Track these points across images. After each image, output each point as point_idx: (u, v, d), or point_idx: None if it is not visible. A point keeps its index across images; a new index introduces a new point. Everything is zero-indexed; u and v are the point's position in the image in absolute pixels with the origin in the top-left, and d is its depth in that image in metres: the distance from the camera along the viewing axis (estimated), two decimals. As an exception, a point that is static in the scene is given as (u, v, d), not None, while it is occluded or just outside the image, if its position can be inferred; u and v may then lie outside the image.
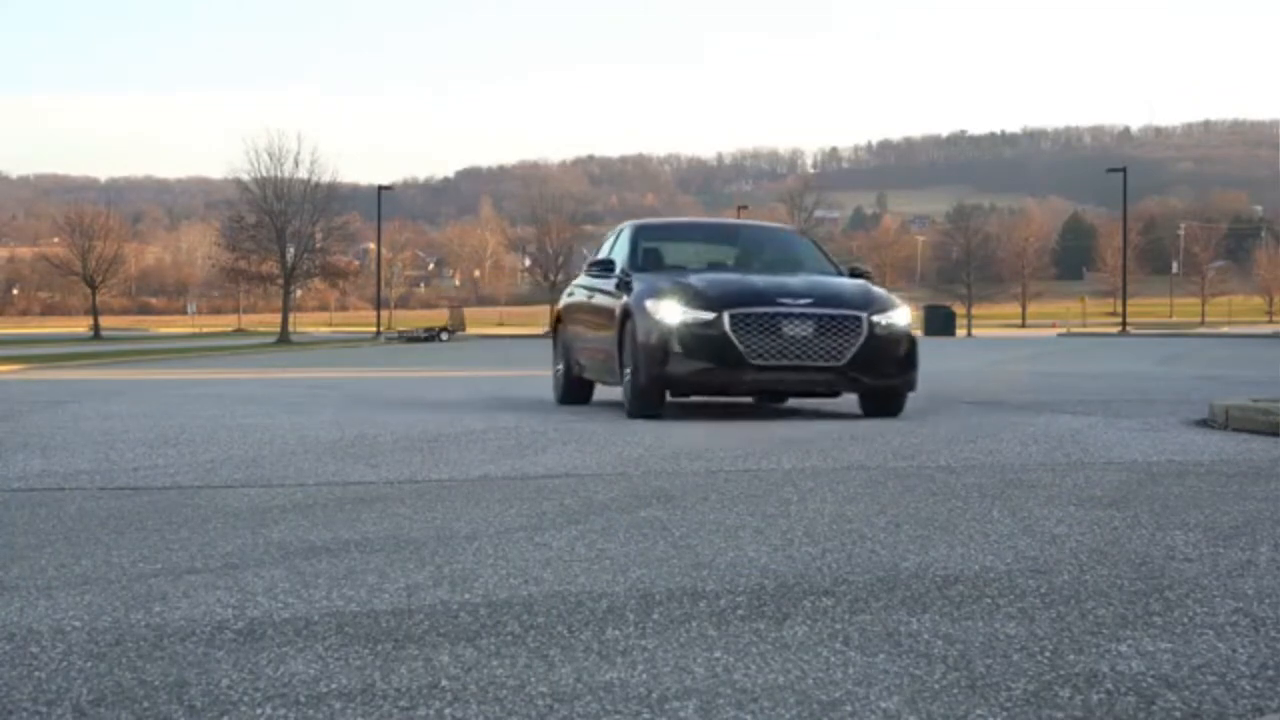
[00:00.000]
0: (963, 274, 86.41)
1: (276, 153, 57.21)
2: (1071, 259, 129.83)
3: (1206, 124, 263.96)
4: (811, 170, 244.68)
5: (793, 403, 11.11)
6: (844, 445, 7.42)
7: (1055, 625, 3.08)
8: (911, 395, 9.62)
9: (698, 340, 9.03)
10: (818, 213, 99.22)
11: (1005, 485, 5.57)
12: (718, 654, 2.85)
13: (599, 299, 10.73)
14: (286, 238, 56.43)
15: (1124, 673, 2.68)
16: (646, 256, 10.64)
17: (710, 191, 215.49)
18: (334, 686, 2.63)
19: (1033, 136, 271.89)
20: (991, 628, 3.05)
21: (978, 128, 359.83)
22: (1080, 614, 3.18)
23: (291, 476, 6.17)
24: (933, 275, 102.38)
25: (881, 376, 9.24)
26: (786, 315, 9.01)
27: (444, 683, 2.65)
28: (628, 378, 9.51)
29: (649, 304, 9.25)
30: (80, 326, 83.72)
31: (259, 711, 2.48)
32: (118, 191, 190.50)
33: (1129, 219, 67.51)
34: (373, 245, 76.48)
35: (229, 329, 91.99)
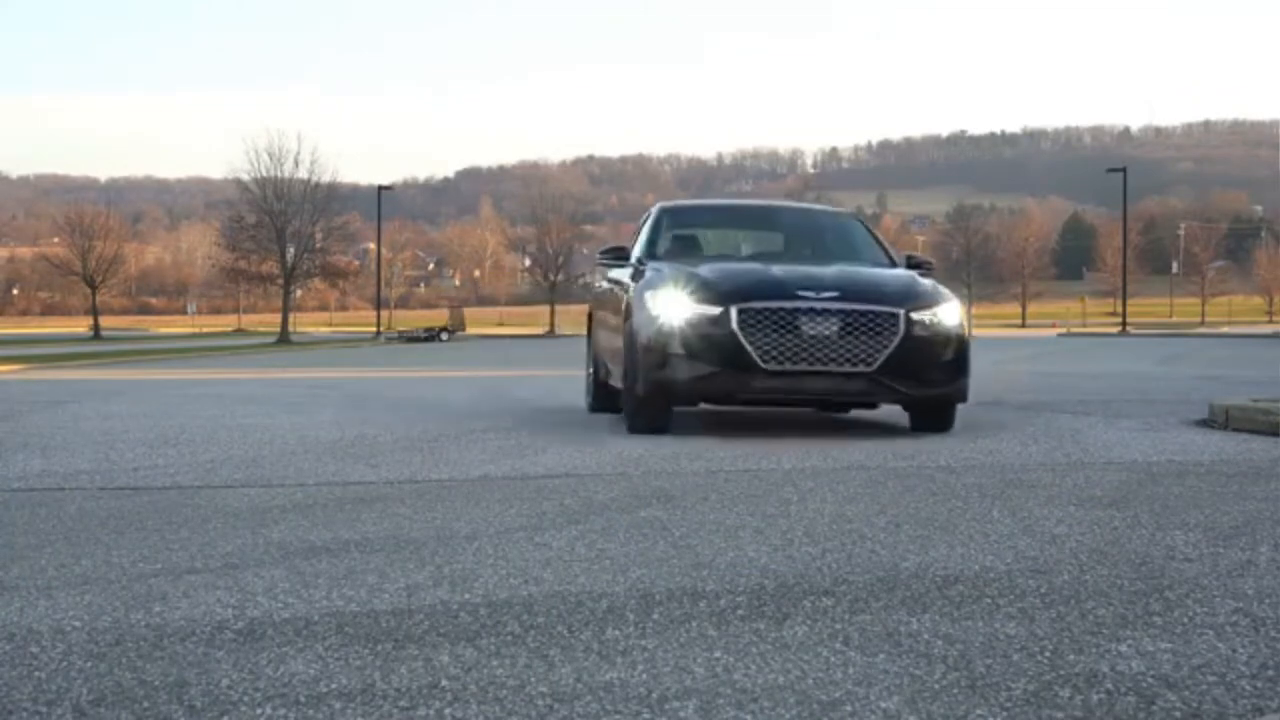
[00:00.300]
0: (963, 274, 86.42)
1: (276, 153, 57.22)
2: (1071, 259, 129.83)
3: (1206, 124, 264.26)
4: (811, 170, 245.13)
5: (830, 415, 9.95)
6: (844, 445, 7.41)
7: (1055, 625, 3.08)
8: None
9: (701, 340, 7.76)
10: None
11: (1005, 485, 5.57)
12: (718, 654, 2.85)
13: (616, 292, 9.47)
14: (286, 238, 56.42)
15: (1124, 673, 2.68)
16: (669, 242, 9.53)
17: (710, 191, 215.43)
18: (334, 686, 2.63)
19: (1033, 136, 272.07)
20: (991, 628, 3.05)
21: (978, 128, 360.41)
22: (1080, 614, 3.18)
23: (291, 476, 6.17)
24: (933, 275, 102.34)
25: (922, 384, 7.87)
26: (807, 311, 7.67)
27: (444, 683, 2.65)
28: (627, 385, 8.34)
29: (648, 297, 8.06)
30: (80, 326, 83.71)
31: (259, 711, 2.48)
32: (118, 191, 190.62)
33: (1129, 219, 67.51)
34: (373, 245, 76.48)
35: (229, 329, 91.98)
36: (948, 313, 7.99)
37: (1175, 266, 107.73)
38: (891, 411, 9.28)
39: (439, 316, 69.63)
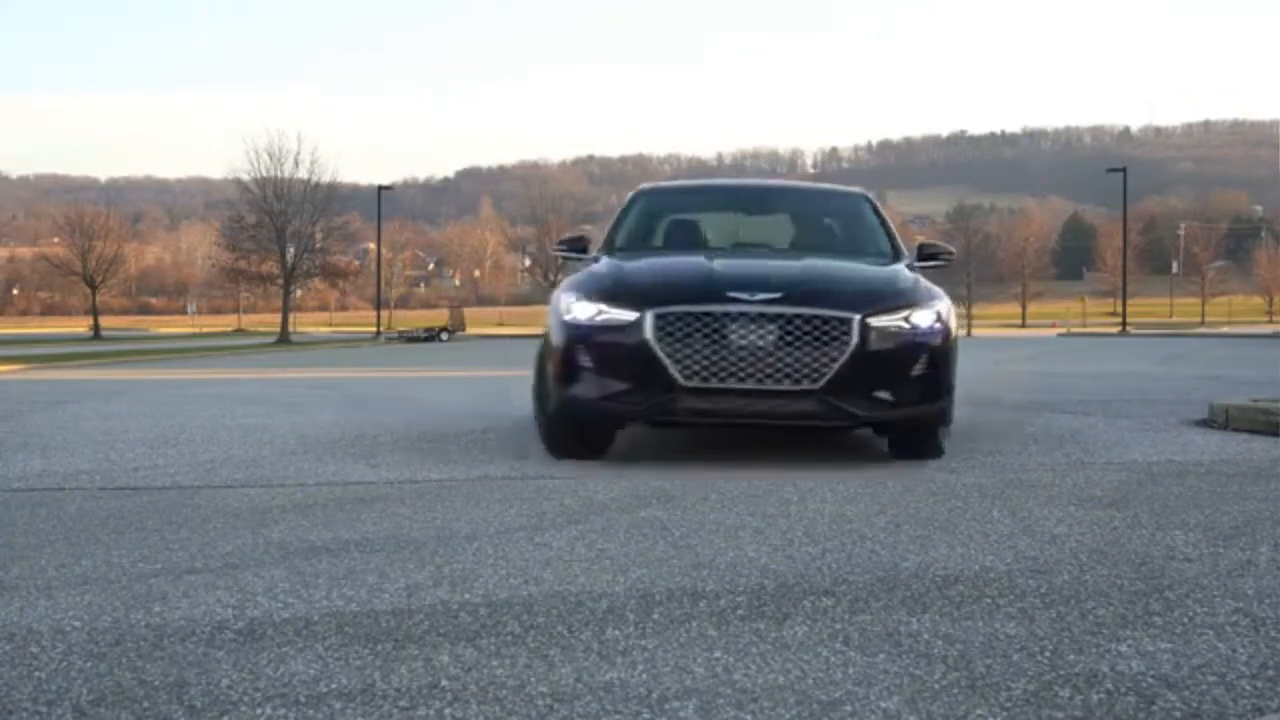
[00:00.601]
0: (963, 274, 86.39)
1: (276, 153, 57.17)
2: (1071, 259, 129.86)
3: (1206, 124, 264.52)
4: (811, 170, 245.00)
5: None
6: (844, 445, 7.41)
7: (1055, 625, 3.08)
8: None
9: (612, 351, 6.42)
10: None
11: (1005, 485, 5.58)
12: (718, 654, 2.85)
13: None
14: (286, 238, 56.39)
15: (1124, 673, 2.68)
16: (633, 231, 8.17)
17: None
18: (334, 686, 2.63)
19: (1033, 136, 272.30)
20: (991, 628, 3.05)
21: (978, 128, 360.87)
22: (1080, 614, 3.18)
23: (291, 476, 6.17)
24: (933, 275, 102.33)
25: (884, 405, 6.39)
26: (738, 317, 6.26)
27: (444, 683, 2.65)
28: (539, 403, 7.17)
29: (562, 299, 6.77)
30: (80, 326, 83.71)
31: (259, 711, 2.48)
32: (118, 191, 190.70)
33: (1129, 219, 67.49)
34: (373, 245, 76.47)
35: (229, 329, 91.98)
36: (923, 317, 6.54)
37: (1175, 266, 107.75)
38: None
39: (439, 316, 69.61)
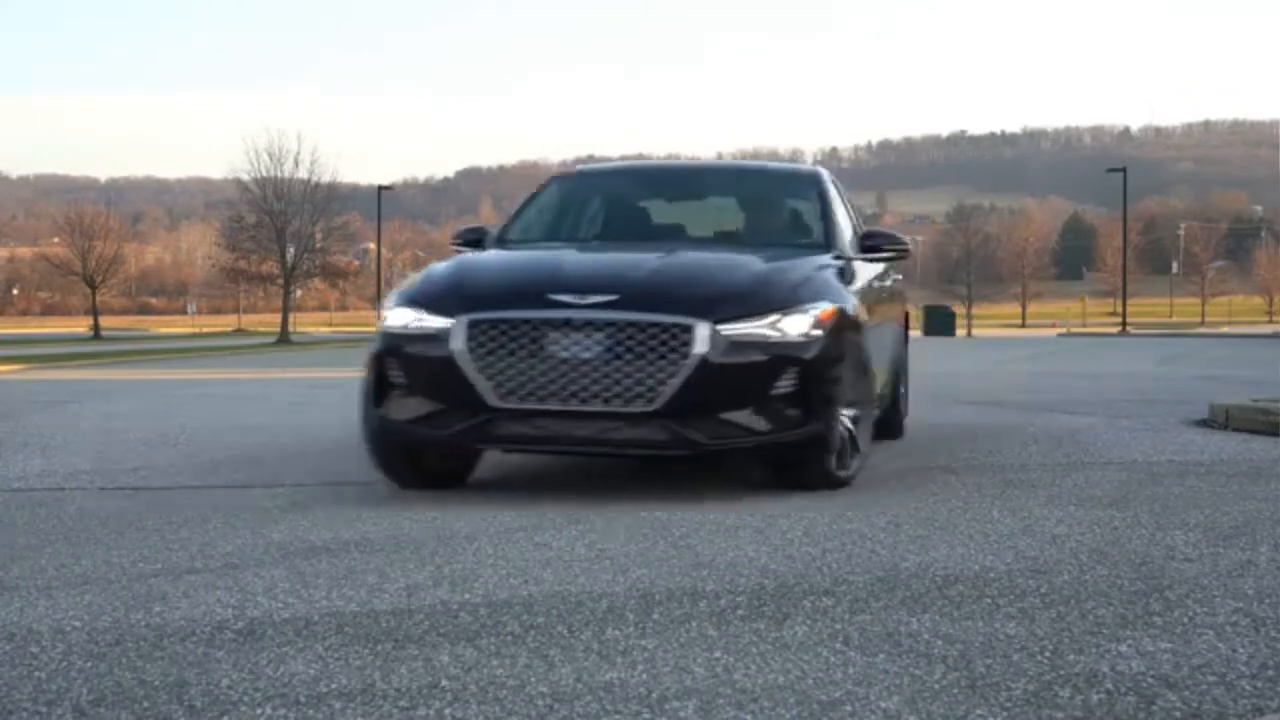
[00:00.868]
0: (963, 274, 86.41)
1: (276, 153, 57.15)
2: (1071, 259, 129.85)
3: (1206, 124, 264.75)
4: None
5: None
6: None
7: (1055, 625, 3.08)
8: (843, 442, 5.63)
9: (424, 365, 5.44)
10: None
11: (1005, 485, 5.58)
12: (718, 654, 2.85)
13: None
14: (286, 238, 56.38)
15: (1124, 673, 2.68)
16: (528, 222, 7.03)
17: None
18: (334, 686, 2.63)
19: (1033, 136, 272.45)
20: (991, 628, 3.05)
21: (978, 128, 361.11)
22: (1080, 614, 3.18)
23: (291, 476, 6.17)
24: (933, 275, 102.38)
25: (733, 431, 5.22)
26: (560, 324, 5.23)
27: (444, 683, 2.65)
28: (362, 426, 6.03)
29: (386, 303, 5.90)
30: (80, 326, 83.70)
31: (259, 711, 2.48)
32: (118, 191, 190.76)
33: (1129, 219, 67.48)
34: (373, 245, 76.41)
35: (229, 329, 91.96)
36: (796, 323, 5.33)
37: (1175, 266, 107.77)
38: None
39: (439, 316, 69.44)
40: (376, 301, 67.69)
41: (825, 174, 7.41)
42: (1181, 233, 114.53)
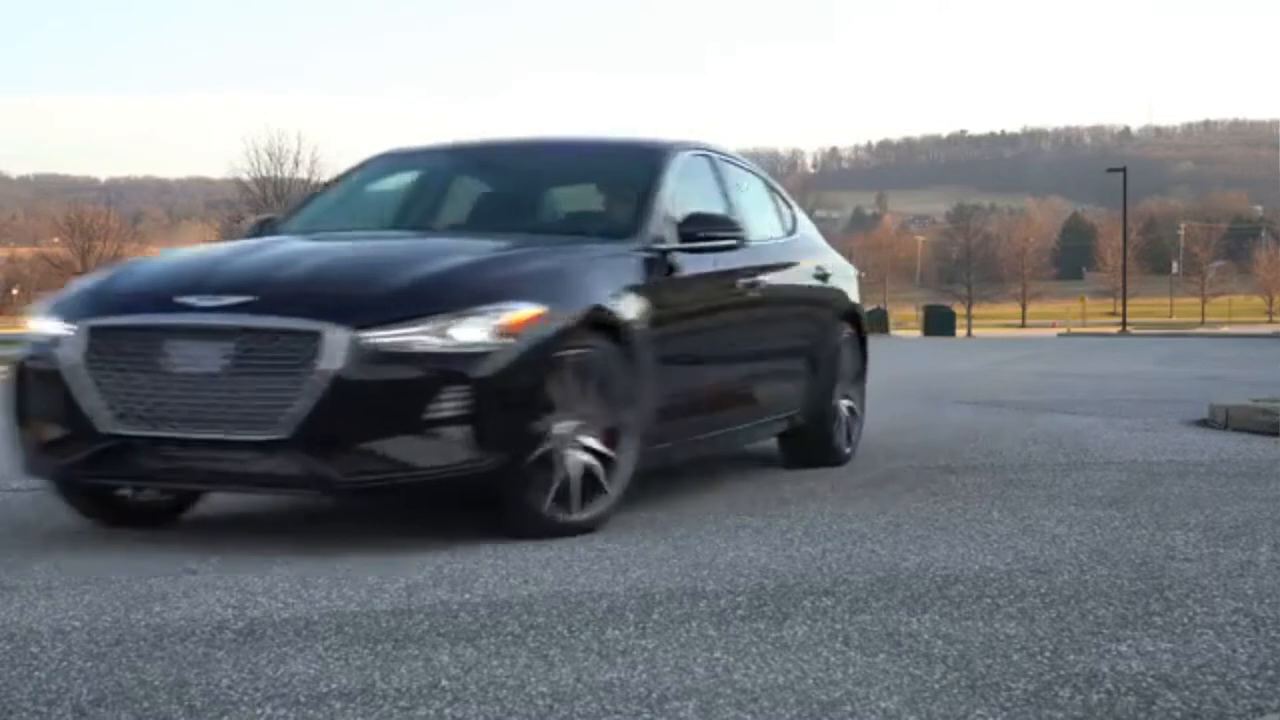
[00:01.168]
0: (963, 274, 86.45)
1: (276, 153, 57.19)
2: (1071, 259, 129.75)
3: (1206, 124, 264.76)
4: (811, 170, 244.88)
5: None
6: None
7: (1055, 625, 3.08)
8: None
9: (45, 381, 4.48)
10: (818, 213, 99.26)
11: (1005, 485, 5.57)
12: (718, 654, 2.85)
13: None
14: (286, 238, 56.42)
15: (1124, 673, 2.68)
16: (320, 208, 6.12)
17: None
18: (334, 686, 2.63)
19: (1033, 136, 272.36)
20: (991, 628, 3.05)
21: (978, 128, 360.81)
22: (1080, 614, 3.18)
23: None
24: (933, 275, 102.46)
25: (379, 464, 4.16)
26: (184, 331, 4.30)
27: (444, 683, 2.65)
28: None
29: (35, 309, 4.86)
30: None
31: (259, 711, 2.48)
32: (118, 191, 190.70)
33: (1129, 219, 67.48)
34: (373, 245, 76.39)
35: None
36: (469, 330, 4.23)
37: (1175, 266, 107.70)
38: (884, 416, 9.26)
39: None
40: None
41: (686, 151, 6.02)
42: (1181, 233, 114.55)
